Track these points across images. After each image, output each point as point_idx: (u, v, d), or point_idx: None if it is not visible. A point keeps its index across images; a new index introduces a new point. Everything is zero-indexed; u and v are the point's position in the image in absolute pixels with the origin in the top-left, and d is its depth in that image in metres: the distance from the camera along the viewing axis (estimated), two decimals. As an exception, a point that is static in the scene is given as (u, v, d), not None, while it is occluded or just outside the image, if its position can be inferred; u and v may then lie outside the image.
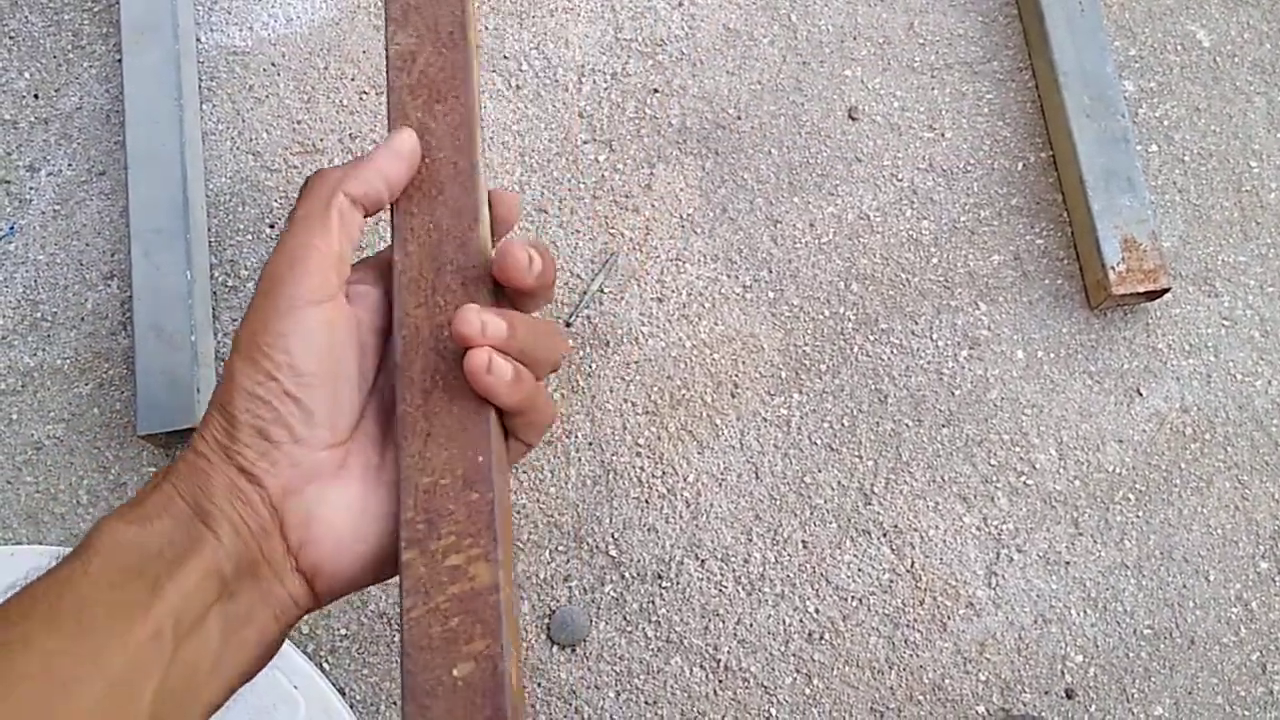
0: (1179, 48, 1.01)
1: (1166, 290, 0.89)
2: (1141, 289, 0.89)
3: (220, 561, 0.43)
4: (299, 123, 0.98)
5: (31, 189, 0.96)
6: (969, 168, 0.97)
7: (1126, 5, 1.01)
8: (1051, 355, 0.93)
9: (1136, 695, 0.87)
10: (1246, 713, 0.86)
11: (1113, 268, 0.89)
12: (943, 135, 0.98)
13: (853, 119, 0.98)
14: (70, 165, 0.97)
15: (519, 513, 0.89)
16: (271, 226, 0.95)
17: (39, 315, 0.94)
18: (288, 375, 0.43)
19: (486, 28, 1.00)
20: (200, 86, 0.99)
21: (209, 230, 0.95)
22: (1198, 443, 0.91)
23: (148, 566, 0.42)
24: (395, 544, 0.44)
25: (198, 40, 1.00)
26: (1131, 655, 0.87)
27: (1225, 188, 0.97)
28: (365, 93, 0.98)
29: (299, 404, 0.43)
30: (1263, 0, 1.02)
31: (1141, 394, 0.92)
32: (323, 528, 0.45)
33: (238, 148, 0.97)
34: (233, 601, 0.43)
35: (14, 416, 0.92)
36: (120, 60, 0.98)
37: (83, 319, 0.94)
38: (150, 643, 0.41)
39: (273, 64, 1.00)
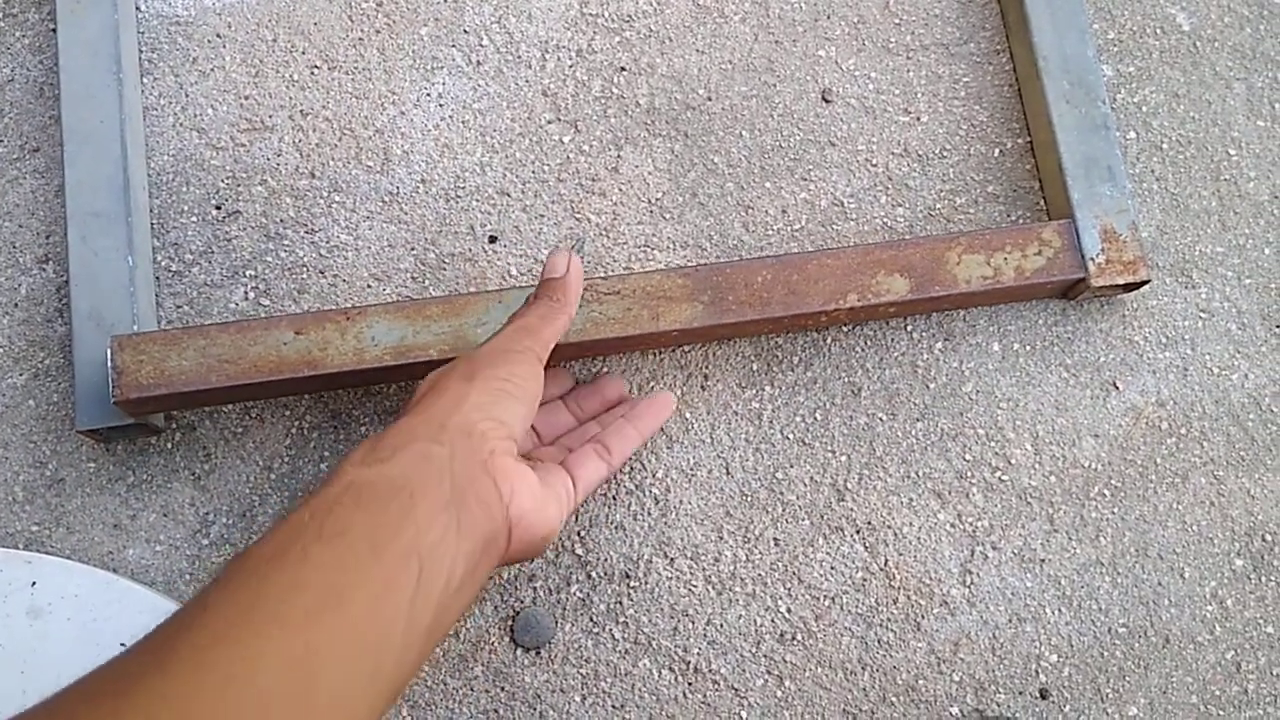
0: (1158, 31, 0.98)
1: (1146, 282, 0.87)
2: (1121, 281, 0.86)
3: (446, 493, 0.56)
4: (246, 98, 0.93)
5: (-41, 166, 0.91)
6: (945, 153, 0.94)
7: (1106, -14, 0.99)
8: (1027, 348, 0.91)
9: (1111, 695, 0.85)
10: (1221, 712, 0.85)
11: (1092, 259, 0.86)
12: (918, 119, 0.95)
13: (826, 101, 0.95)
14: (1, 141, 0.91)
15: (481, 510, 0.86)
16: (218, 208, 0.90)
17: (-31, 301, 0.88)
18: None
19: (445, 0, 0.95)
20: (140, 58, 0.93)
21: (151, 211, 0.90)
22: (1174, 438, 0.90)
23: (393, 500, 0.54)
24: (561, 525, 0.67)
25: (137, 9, 0.94)
26: (1106, 654, 0.86)
27: (1203, 176, 0.95)
28: (317, 67, 0.93)
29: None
30: (1244, -17, 0.99)
31: (1118, 387, 0.91)
32: (523, 484, 0.62)
33: (181, 124, 0.92)
34: (460, 528, 0.56)
35: (-57, 409, 0.86)
36: (55, 30, 0.92)
37: (16, 305, 0.89)
38: (402, 561, 0.53)
39: (218, 35, 0.94)
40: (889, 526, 0.87)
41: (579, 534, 0.86)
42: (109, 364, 0.80)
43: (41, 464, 0.86)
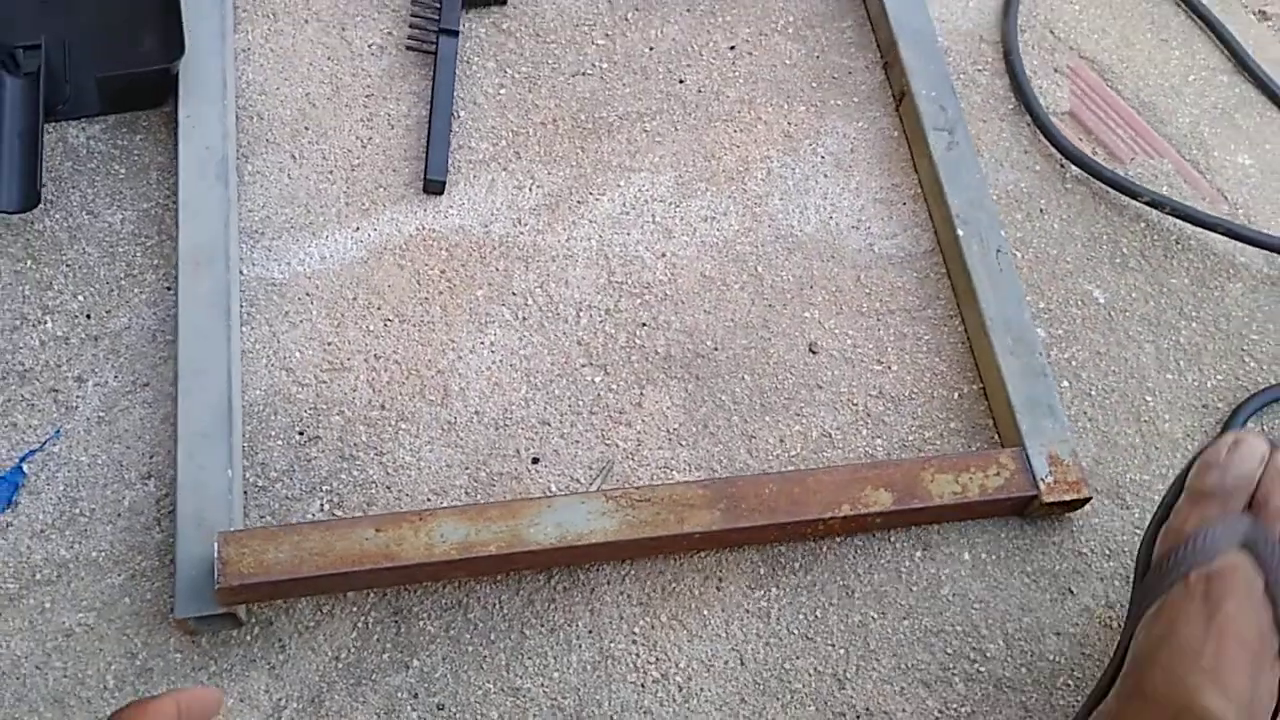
0: (1079, 303, 1.20)
1: (1088, 499, 1.04)
2: (1067, 497, 1.03)
3: None
4: (329, 344, 1.10)
5: (78, 397, 1.06)
6: (913, 395, 1.13)
7: (1034, 267, 1.21)
8: (994, 557, 1.06)
9: None
10: None
11: (1042, 479, 1.04)
12: (889, 368, 1.14)
13: (813, 352, 1.14)
14: (116, 377, 1.07)
15: (524, 696, 0.97)
16: (301, 433, 1.06)
17: (78, 511, 1.01)
18: None
19: (498, 269, 1.16)
20: (241, 311, 1.11)
21: (244, 436, 1.05)
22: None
23: None
24: None
25: (241, 273, 1.13)
26: (1082, 827, 0.96)
27: (1127, 418, 1.14)
28: (390, 320, 1.12)
29: None
30: (1145, 266, 1.23)
31: (1073, 592, 1.05)
32: None
33: (272, 365, 1.09)
34: None
35: (47, 605, 0.98)
36: (170, 288, 1.10)
37: (119, 515, 1.02)
38: None
39: (307, 294, 1.13)
40: (885, 712, 0.99)
41: (611, 718, 0.97)
42: (216, 555, 0.92)
43: (133, 655, 0.96)
